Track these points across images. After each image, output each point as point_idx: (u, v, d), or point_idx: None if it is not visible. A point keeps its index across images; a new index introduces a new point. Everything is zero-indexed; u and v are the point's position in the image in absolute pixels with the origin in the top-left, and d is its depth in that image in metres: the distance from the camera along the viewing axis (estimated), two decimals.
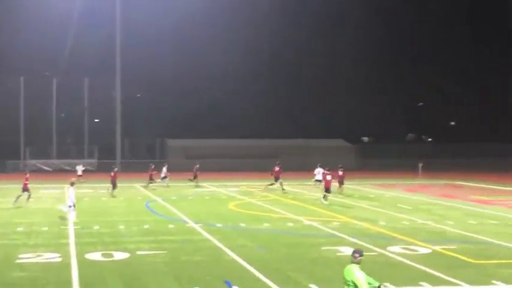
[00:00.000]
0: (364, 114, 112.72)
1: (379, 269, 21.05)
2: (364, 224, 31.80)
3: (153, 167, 55.02)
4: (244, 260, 22.38)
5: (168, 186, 54.13)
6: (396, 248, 24.71)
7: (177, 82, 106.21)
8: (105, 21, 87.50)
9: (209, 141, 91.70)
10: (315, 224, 31.98)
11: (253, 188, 54.84)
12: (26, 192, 40.47)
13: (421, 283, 18.94)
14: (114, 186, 47.56)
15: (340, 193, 48.06)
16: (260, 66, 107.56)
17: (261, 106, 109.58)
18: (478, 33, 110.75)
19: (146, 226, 30.91)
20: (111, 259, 22.77)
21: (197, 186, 55.24)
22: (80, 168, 60.87)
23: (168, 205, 40.63)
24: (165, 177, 55.27)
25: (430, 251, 24.36)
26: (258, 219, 33.66)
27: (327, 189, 42.17)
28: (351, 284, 12.78)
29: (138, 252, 23.86)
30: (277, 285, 18.63)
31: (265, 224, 31.81)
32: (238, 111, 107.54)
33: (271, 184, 51.58)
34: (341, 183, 49.05)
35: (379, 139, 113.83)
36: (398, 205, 41.16)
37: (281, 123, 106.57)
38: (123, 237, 27.59)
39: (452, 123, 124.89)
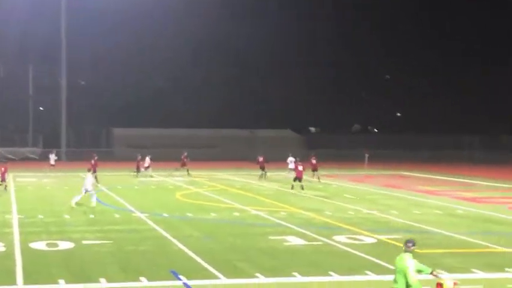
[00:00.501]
0: (311, 105, 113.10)
1: (325, 258, 21.19)
2: (311, 214, 31.96)
3: (139, 157, 54.67)
4: (190, 249, 22.31)
5: (151, 176, 53.79)
6: (342, 238, 24.88)
7: (123, 71, 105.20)
8: (50, 8, 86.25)
9: (155, 130, 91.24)
10: (261, 213, 32.04)
11: (199, 177, 54.72)
12: (3, 183, 41.31)
13: (366, 272, 19.10)
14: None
15: (318, 180, 50.23)
16: (205, 55, 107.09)
17: (206, 96, 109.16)
18: (425, 24, 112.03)
19: (92, 215, 30.64)
20: (55, 248, 22.51)
21: (189, 175, 55.19)
22: (52, 157, 59.75)
23: (114, 195, 40.32)
24: (148, 167, 54.85)
25: (375, 240, 24.59)
26: (205, 209, 33.60)
27: (298, 179, 43.15)
28: (401, 272, 12.94)
29: (84, 242, 23.63)
30: (224, 275, 18.61)
31: (212, 214, 31.77)
32: (184, 100, 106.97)
33: (261, 174, 53.01)
34: (315, 170, 50.43)
35: (325, 130, 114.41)
36: (344, 195, 41.47)
37: (227, 113, 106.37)
38: (68, 227, 27.30)
39: (398, 114, 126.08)
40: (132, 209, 33.31)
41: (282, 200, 38.48)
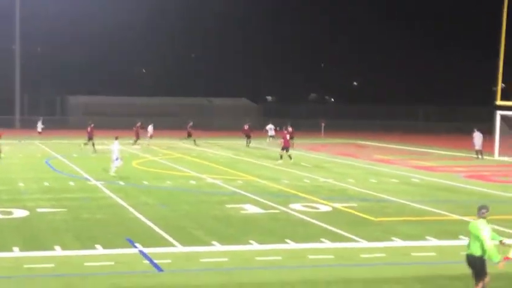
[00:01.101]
0: (268, 74, 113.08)
1: (281, 226, 21.23)
2: (267, 183, 32.00)
3: (139, 124, 54.27)
4: (146, 217, 22.20)
5: (148, 145, 53.63)
6: (298, 206, 24.95)
7: (79, 39, 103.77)
8: None
9: (110, 98, 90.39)
10: (218, 182, 32.00)
11: (155, 146, 54.45)
12: None
13: (321, 239, 19.18)
14: (91, 141, 48.28)
15: (293, 147, 50.51)
16: (164, 22, 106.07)
17: (164, 64, 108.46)
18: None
19: (46, 183, 30.32)
20: (10, 216, 22.22)
21: (196, 145, 55.02)
22: (39, 125, 59.05)
23: (69, 162, 39.96)
24: (152, 135, 54.64)
25: (330, 208, 24.69)
26: (161, 177, 33.48)
27: (286, 148, 42.79)
28: (475, 238, 12.88)
29: (38, 210, 23.37)
30: (180, 243, 18.55)
31: (168, 182, 31.66)
32: (141, 68, 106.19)
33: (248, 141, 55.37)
34: (291, 138, 50.79)
35: (282, 99, 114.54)
36: (301, 164, 41.59)
37: (184, 81, 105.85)
38: (22, 195, 26.99)
39: (355, 83, 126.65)
40: (88, 177, 33.04)
41: (238, 168, 38.48)
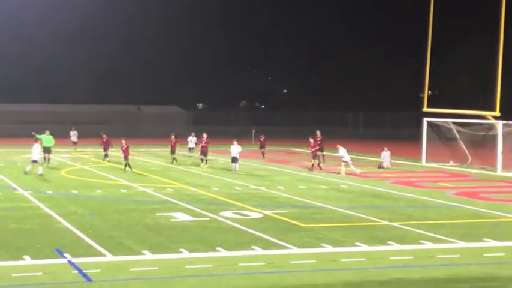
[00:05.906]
0: (198, 81, 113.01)
1: (212, 233, 21.24)
2: (198, 190, 31.96)
3: (103, 134, 48.96)
4: (75, 227, 21.95)
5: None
6: (228, 213, 24.99)
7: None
8: None
9: (37, 105, 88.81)
10: (148, 190, 31.82)
11: (85, 154, 53.84)
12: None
13: (252, 247, 19.23)
14: (174, 153, 46.73)
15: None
16: (88, 30, 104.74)
17: (92, 71, 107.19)
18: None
19: None
20: None
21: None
22: (74, 134, 57.75)
23: None
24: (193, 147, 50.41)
25: (261, 215, 24.79)
26: (91, 186, 33.11)
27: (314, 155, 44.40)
28: None
29: None
30: (110, 252, 18.39)
31: (98, 191, 31.34)
32: (68, 75, 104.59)
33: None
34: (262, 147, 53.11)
35: (213, 106, 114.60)
36: (231, 171, 41.63)
37: (114, 89, 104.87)
38: None
39: (285, 91, 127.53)
40: (15, 186, 32.49)
41: (169, 176, 38.33)
